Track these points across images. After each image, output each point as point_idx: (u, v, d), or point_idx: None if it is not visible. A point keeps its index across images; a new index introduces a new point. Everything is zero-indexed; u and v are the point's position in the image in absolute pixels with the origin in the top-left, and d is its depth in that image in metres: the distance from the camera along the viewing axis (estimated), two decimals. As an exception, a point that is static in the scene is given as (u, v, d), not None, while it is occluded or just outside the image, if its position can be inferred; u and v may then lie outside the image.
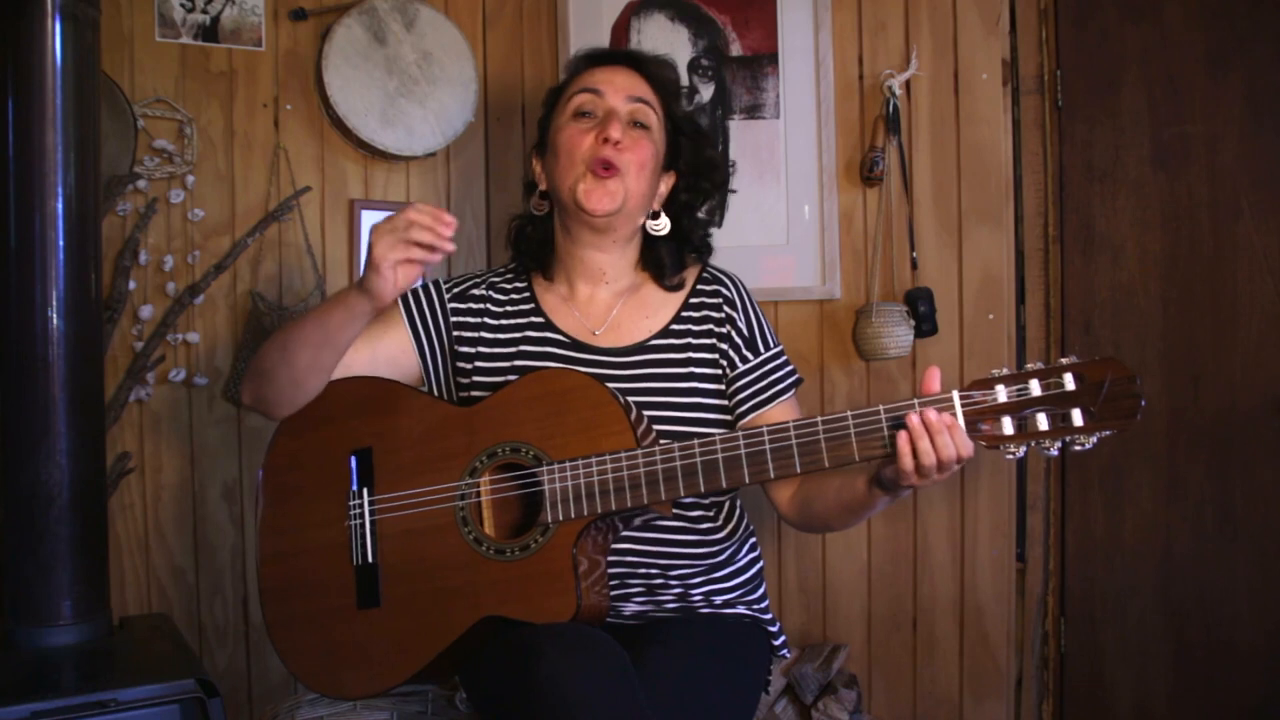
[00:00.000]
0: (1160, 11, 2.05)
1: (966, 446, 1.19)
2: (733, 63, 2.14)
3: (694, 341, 1.51)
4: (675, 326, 1.52)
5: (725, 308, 1.52)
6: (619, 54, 1.59)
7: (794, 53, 2.12)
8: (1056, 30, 2.11)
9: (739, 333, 1.51)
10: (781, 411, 1.50)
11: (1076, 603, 2.12)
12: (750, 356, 1.51)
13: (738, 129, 2.14)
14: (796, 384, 1.55)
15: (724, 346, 1.51)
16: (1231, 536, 2.02)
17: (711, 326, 1.52)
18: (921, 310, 2.01)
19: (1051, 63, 2.11)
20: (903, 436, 1.20)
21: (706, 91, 2.14)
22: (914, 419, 1.19)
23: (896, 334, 1.99)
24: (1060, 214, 2.12)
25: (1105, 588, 2.11)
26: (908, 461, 1.20)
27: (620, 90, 1.51)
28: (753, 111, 2.14)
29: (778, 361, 1.53)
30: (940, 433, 1.19)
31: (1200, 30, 2.03)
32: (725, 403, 1.50)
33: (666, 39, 2.15)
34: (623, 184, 1.47)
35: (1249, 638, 2.01)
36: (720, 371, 1.50)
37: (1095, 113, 2.09)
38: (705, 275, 1.57)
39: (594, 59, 1.58)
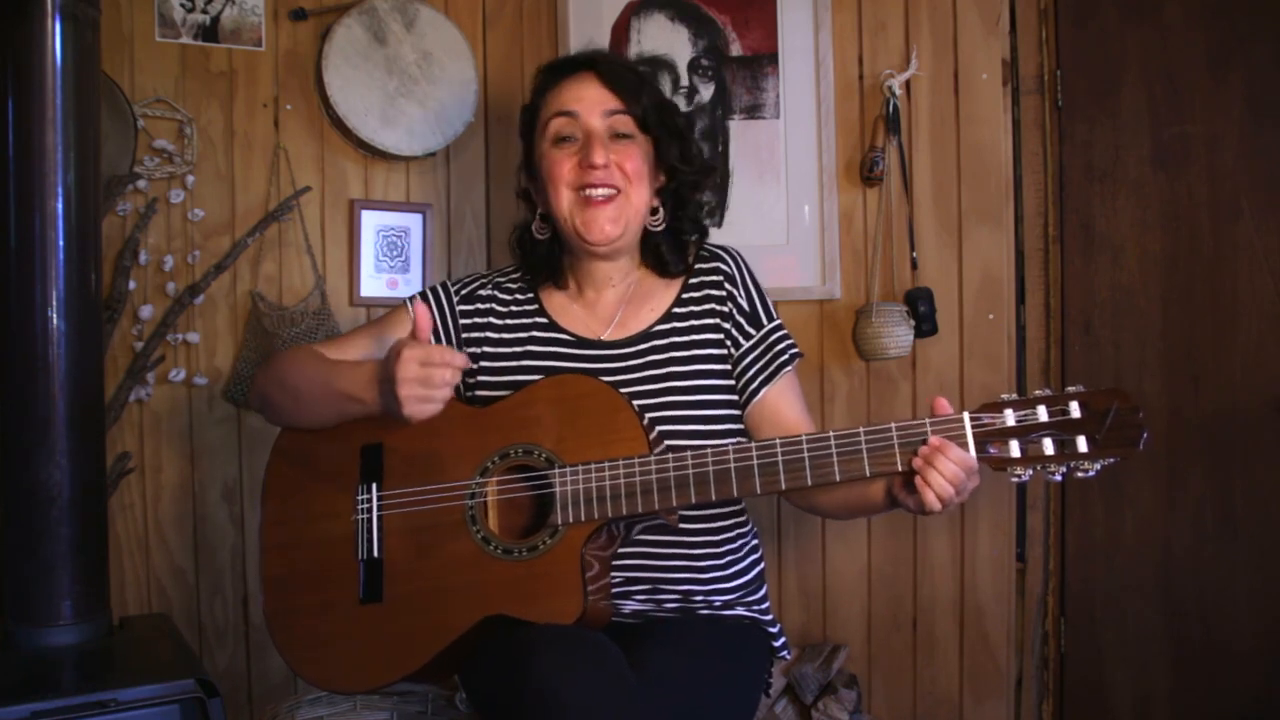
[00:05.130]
0: (1160, 11, 2.05)
1: (967, 460, 1.20)
2: (733, 63, 2.14)
3: (697, 323, 1.52)
4: (678, 310, 1.53)
5: (726, 284, 1.53)
6: (580, 60, 1.53)
7: (794, 53, 2.12)
8: (1056, 30, 2.11)
9: (739, 309, 1.52)
10: (785, 385, 1.51)
11: (1076, 603, 2.12)
12: (752, 332, 1.52)
13: (738, 129, 2.13)
14: (796, 357, 1.55)
15: (727, 325, 1.52)
16: (1231, 536, 2.02)
17: (713, 305, 1.52)
18: (921, 310, 2.01)
19: (1051, 63, 2.11)
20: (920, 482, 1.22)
21: (706, 91, 2.14)
22: (917, 463, 1.21)
23: (896, 334, 1.99)
24: (1060, 214, 2.12)
25: (1105, 588, 2.10)
26: (930, 498, 1.21)
27: (594, 106, 1.48)
28: (753, 111, 2.14)
29: (779, 334, 1.54)
30: (934, 457, 1.21)
31: (1200, 30, 2.02)
32: (732, 383, 1.51)
33: (666, 39, 2.15)
34: (624, 204, 1.47)
35: (1248, 638, 2.01)
36: (726, 351, 1.51)
37: (1095, 113, 2.09)
38: (703, 254, 1.57)
39: (556, 70, 1.54)
